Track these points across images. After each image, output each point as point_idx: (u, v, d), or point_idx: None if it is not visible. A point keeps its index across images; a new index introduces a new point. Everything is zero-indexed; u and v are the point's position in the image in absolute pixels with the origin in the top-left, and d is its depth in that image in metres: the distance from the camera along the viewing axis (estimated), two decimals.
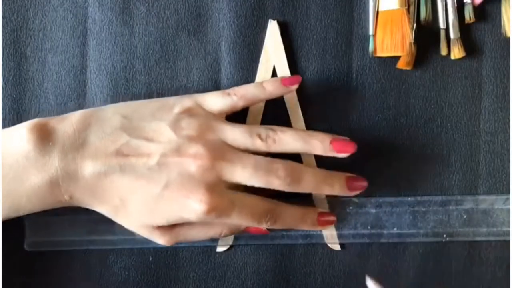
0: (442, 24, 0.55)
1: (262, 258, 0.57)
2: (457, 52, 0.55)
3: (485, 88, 0.56)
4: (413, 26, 0.55)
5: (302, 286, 0.57)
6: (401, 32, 0.54)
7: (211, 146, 0.49)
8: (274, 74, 0.55)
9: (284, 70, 0.55)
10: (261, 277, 0.57)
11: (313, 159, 0.55)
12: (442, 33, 0.55)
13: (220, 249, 0.56)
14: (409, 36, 0.54)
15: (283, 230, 0.56)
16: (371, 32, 0.55)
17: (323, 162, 0.54)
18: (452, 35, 0.55)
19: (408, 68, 0.55)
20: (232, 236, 0.56)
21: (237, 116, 0.53)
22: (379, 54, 0.55)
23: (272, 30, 0.55)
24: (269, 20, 0.55)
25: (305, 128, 0.55)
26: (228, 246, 0.57)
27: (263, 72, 0.55)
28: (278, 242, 0.57)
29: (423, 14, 0.55)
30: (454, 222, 0.56)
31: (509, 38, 0.55)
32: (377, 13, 0.55)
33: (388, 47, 0.55)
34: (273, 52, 0.55)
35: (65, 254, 0.56)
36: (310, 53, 0.56)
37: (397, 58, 0.55)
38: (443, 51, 0.55)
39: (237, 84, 0.55)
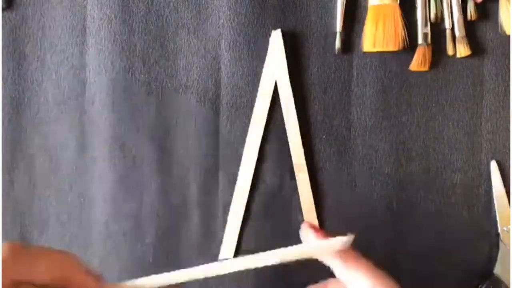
0: (448, 24, 0.55)
1: None
2: (463, 51, 0.55)
3: (486, 86, 0.56)
4: (426, 23, 0.54)
5: (302, 286, 0.57)
6: (394, 27, 0.53)
7: None
8: (275, 90, 0.55)
9: (285, 85, 0.55)
10: (261, 277, 0.56)
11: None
12: (448, 33, 0.55)
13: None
14: (402, 32, 0.53)
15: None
16: (338, 29, 0.55)
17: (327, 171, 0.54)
18: (457, 33, 0.55)
19: (424, 70, 0.55)
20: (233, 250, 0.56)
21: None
22: (369, 49, 0.54)
23: (275, 40, 0.55)
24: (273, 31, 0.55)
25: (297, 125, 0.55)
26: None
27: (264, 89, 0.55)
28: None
29: (433, 11, 0.55)
30: None
31: (509, 35, 0.55)
32: (367, 8, 0.54)
33: (380, 42, 0.54)
34: (275, 66, 0.55)
35: None
36: (310, 51, 0.55)
37: (400, 56, 0.55)
38: (450, 51, 0.55)
39: (237, 82, 0.55)
